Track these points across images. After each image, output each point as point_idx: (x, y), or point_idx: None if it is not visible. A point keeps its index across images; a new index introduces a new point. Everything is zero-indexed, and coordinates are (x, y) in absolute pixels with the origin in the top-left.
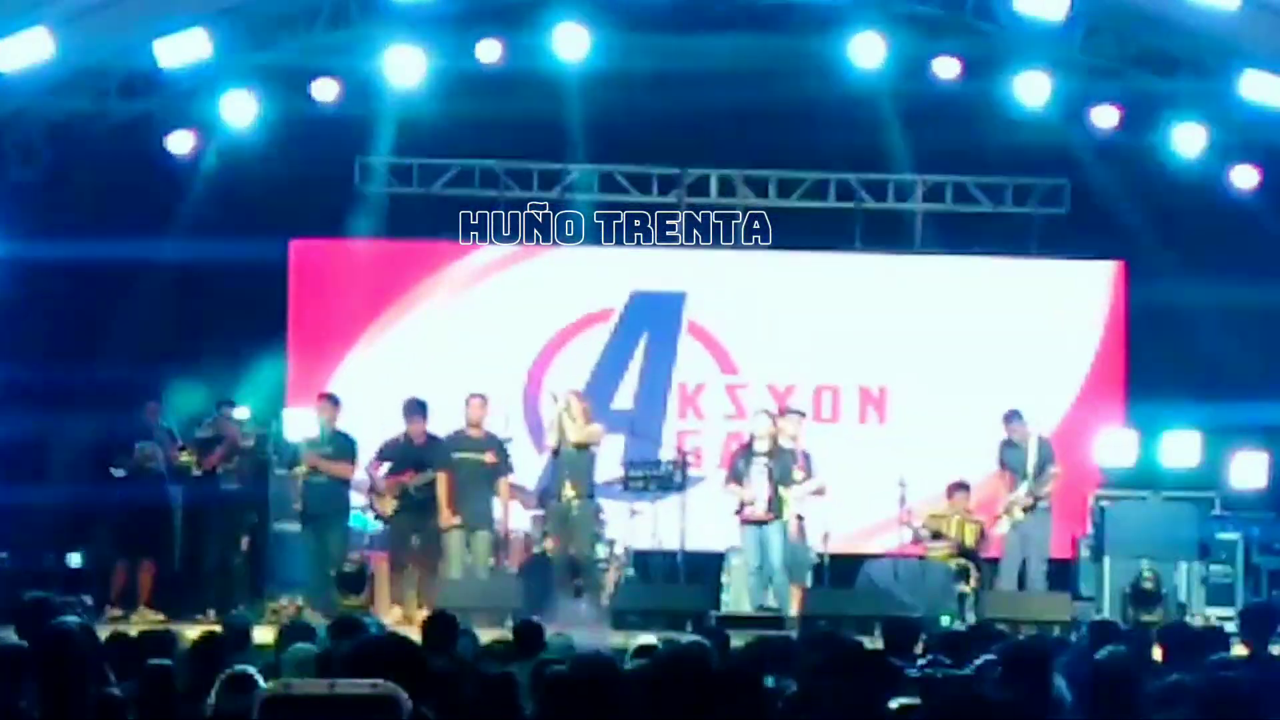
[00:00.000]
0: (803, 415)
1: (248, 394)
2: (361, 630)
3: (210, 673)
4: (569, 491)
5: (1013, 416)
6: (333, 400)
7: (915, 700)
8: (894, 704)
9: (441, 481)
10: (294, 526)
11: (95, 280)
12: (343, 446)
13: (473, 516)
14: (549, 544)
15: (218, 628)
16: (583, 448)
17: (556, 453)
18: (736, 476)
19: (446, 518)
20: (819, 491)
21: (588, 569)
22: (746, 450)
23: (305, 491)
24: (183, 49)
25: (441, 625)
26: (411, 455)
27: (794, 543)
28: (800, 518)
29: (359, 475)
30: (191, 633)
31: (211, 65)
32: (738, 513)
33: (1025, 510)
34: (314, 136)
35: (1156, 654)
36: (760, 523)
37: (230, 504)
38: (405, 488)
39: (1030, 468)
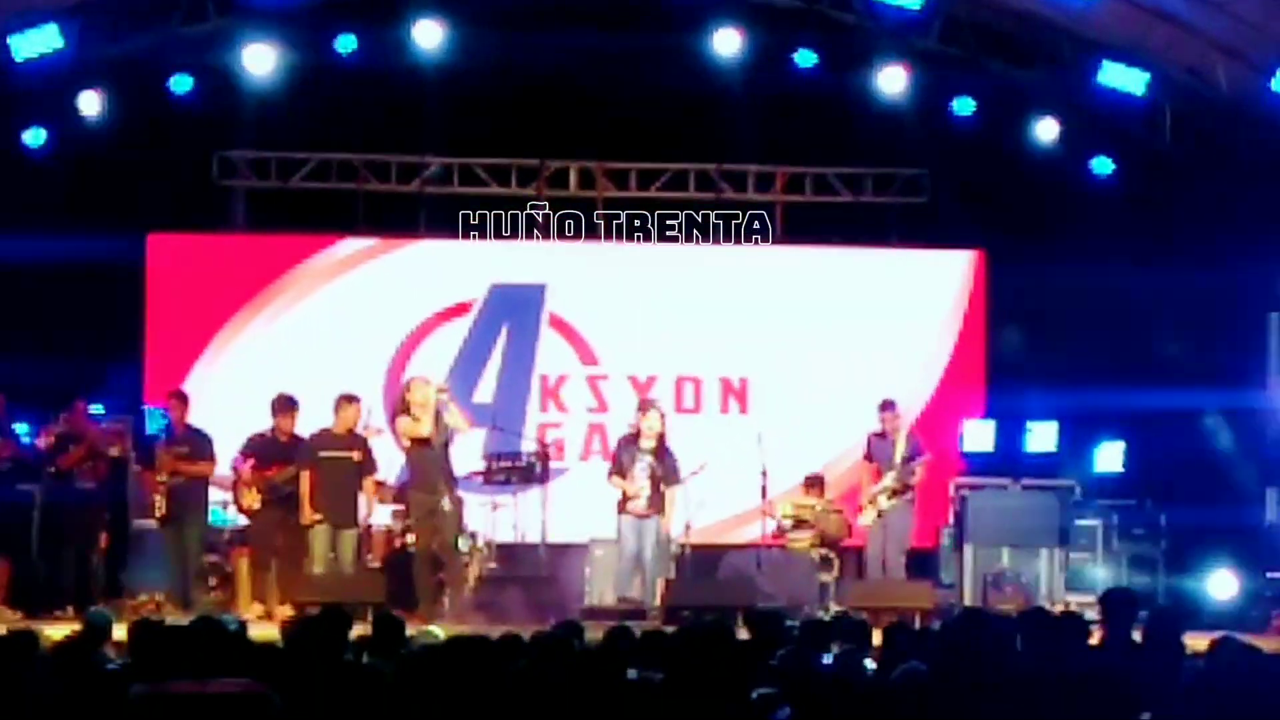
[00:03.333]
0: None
1: (104, 391)
2: (220, 628)
3: (74, 671)
4: (441, 485)
5: (888, 406)
6: (181, 397)
7: (775, 690)
8: (755, 694)
9: (304, 479)
10: (152, 524)
11: None
12: (199, 444)
13: (339, 515)
14: (412, 538)
15: (78, 625)
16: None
17: (427, 443)
18: (620, 470)
19: (308, 515)
20: (696, 473)
21: (450, 563)
22: (633, 445)
23: (167, 493)
24: (37, 43)
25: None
26: (278, 452)
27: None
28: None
29: (221, 470)
30: (51, 631)
31: (67, 59)
32: (620, 505)
33: (889, 498)
34: (171, 131)
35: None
36: (641, 517)
37: (87, 502)
38: (271, 482)
39: (898, 459)
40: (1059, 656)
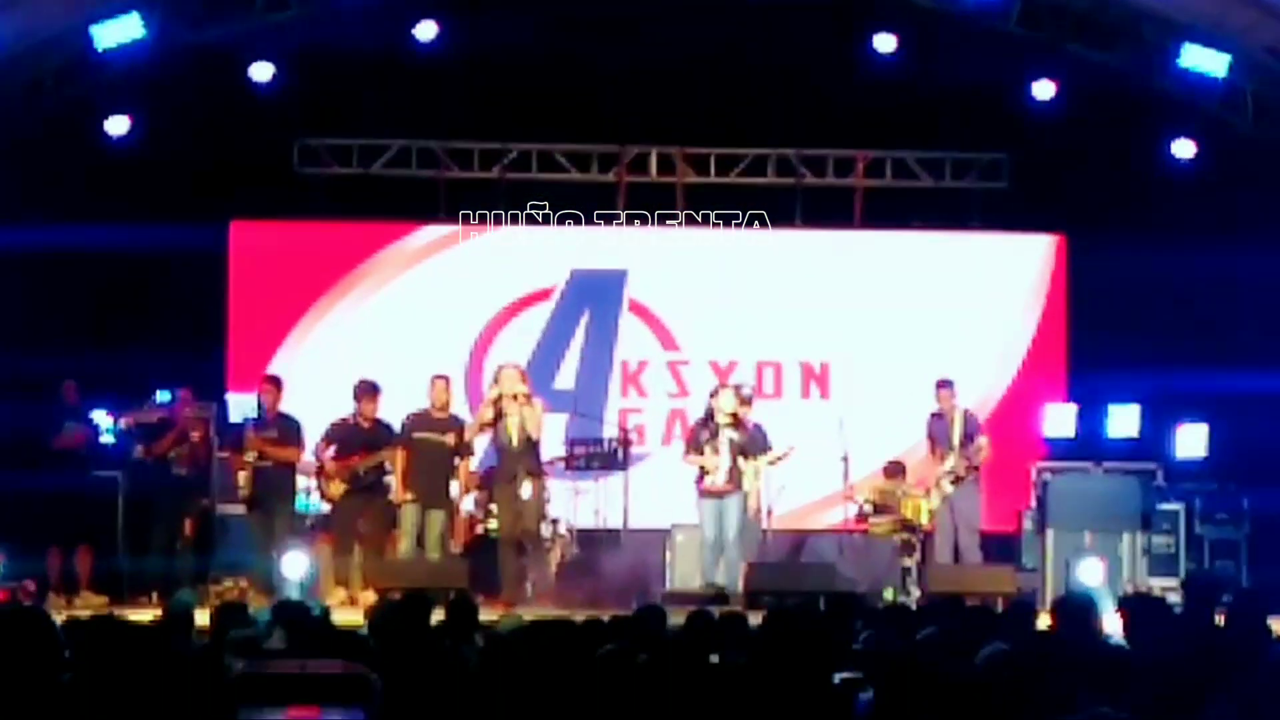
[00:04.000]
0: (751, 398)
1: (188, 377)
2: (305, 612)
3: (156, 655)
4: (521, 474)
5: (944, 385)
6: (275, 382)
7: (859, 674)
8: (838, 678)
9: (399, 458)
10: (238, 510)
11: (35, 267)
12: (288, 429)
13: (430, 496)
14: (495, 525)
15: (160, 612)
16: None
17: (507, 440)
18: (698, 447)
19: (400, 494)
20: (784, 457)
21: (533, 549)
22: (709, 421)
23: (253, 476)
24: (119, 32)
25: (415, 605)
26: (361, 437)
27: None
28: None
29: (305, 458)
30: (137, 617)
31: (148, 47)
32: (698, 483)
33: (954, 483)
34: (253, 119)
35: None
36: (719, 495)
37: (176, 489)
38: (354, 470)
39: (956, 440)
40: (1143, 639)
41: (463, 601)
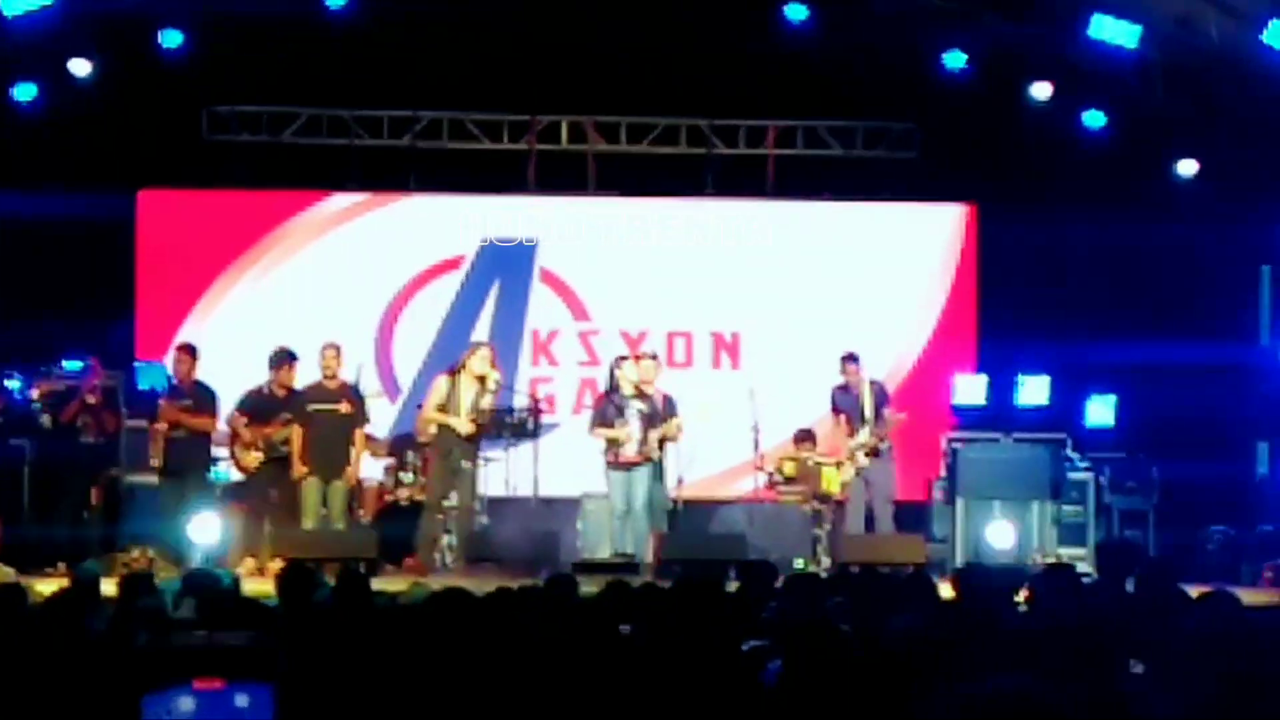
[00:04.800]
0: (656, 358)
1: (96, 346)
2: (215, 582)
3: (64, 626)
4: (459, 452)
5: (850, 359)
6: (190, 351)
7: (766, 643)
8: (746, 647)
9: (295, 435)
10: (148, 479)
11: None
12: (203, 398)
13: (328, 469)
14: (405, 494)
15: (67, 581)
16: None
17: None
18: (605, 420)
19: (299, 469)
20: (675, 435)
21: (456, 522)
22: (615, 394)
23: (166, 445)
24: None
25: (298, 577)
26: (276, 406)
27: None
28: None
29: (220, 427)
30: (43, 586)
31: (57, 14)
32: (606, 455)
33: (868, 455)
34: (162, 87)
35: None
36: (628, 466)
37: (82, 457)
38: (269, 439)
39: (868, 412)
40: (1053, 609)
41: (352, 574)
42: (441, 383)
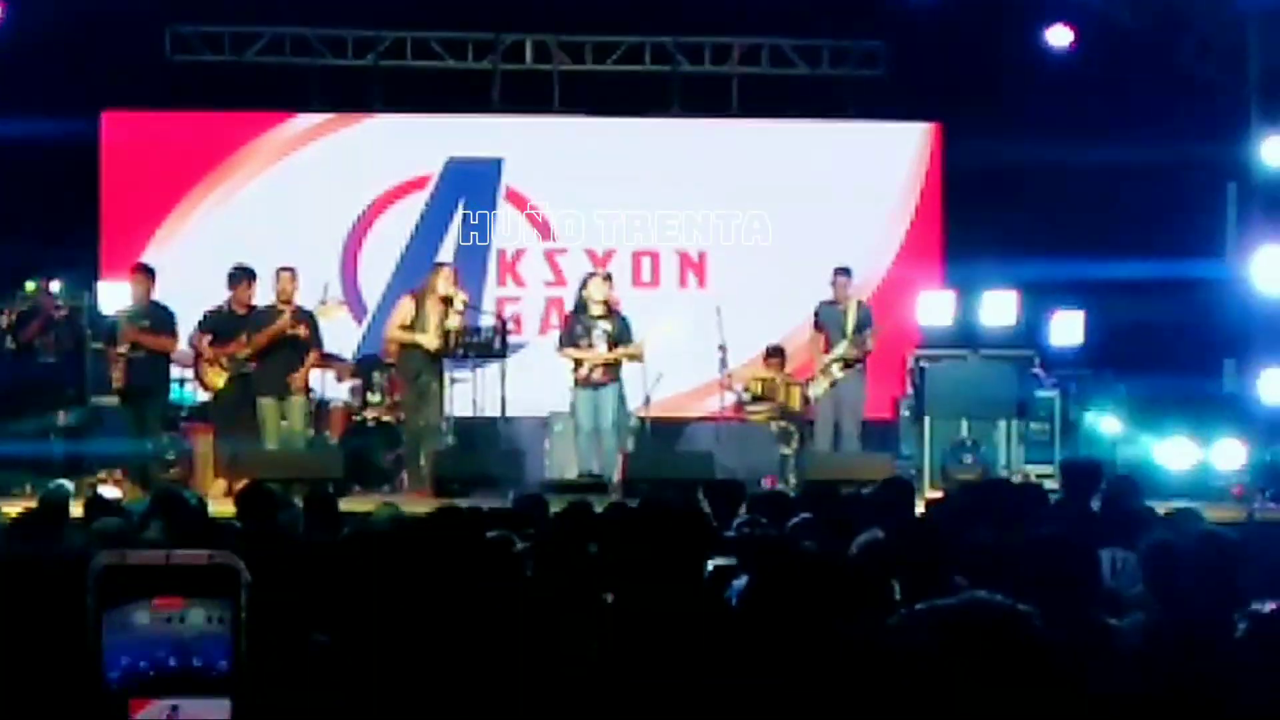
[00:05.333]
0: (610, 277)
1: (60, 268)
2: (181, 503)
3: (32, 547)
4: (429, 374)
5: (842, 272)
6: (147, 271)
7: (732, 561)
8: (711, 565)
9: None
10: (113, 401)
11: None
12: (162, 319)
13: (285, 388)
14: (372, 415)
15: (35, 503)
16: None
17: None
18: (574, 340)
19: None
20: (639, 356)
21: (425, 441)
22: (581, 313)
23: (126, 366)
24: None
25: (258, 498)
26: (235, 323)
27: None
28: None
29: (181, 347)
30: (9, 508)
31: None
32: (574, 373)
33: (843, 368)
34: (123, 6)
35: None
36: (596, 385)
37: (47, 378)
38: (234, 358)
39: (849, 329)
40: (1019, 526)
41: (320, 495)
42: (406, 303)
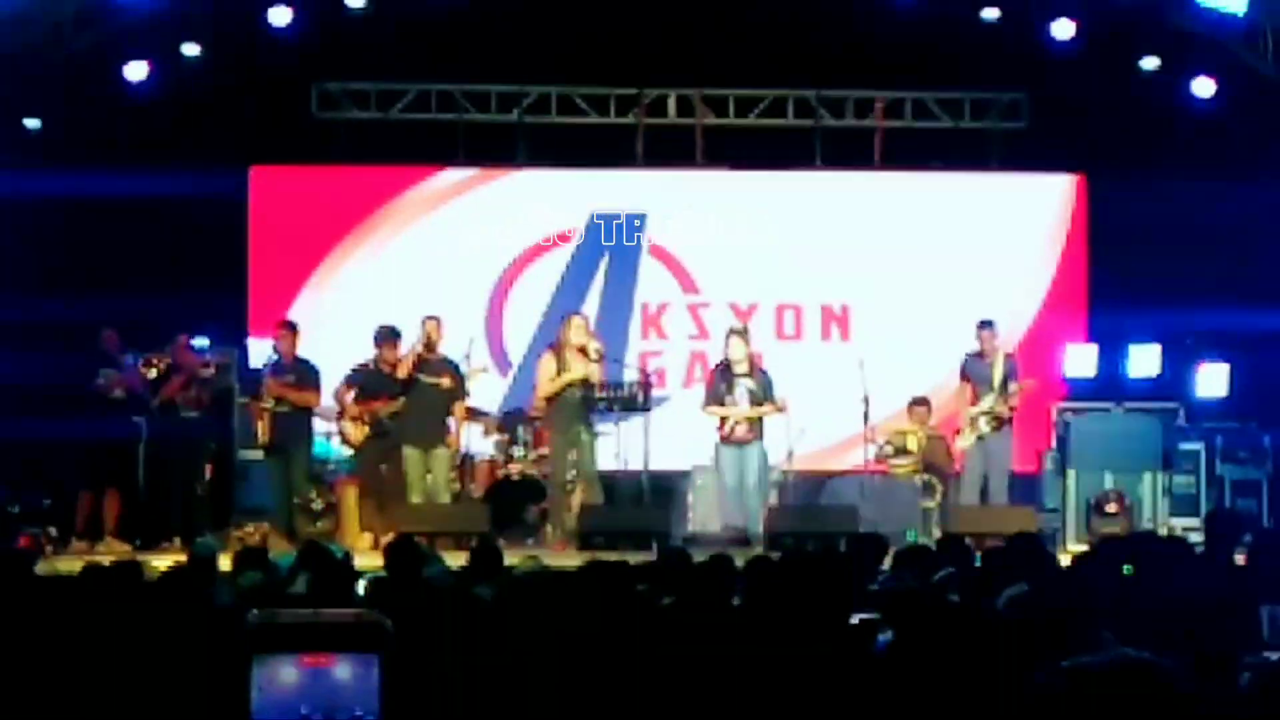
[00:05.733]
0: (745, 332)
1: (208, 323)
2: (328, 556)
3: (183, 601)
4: (578, 424)
5: (986, 325)
6: (291, 327)
7: (876, 615)
8: (855, 619)
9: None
10: (258, 455)
11: (53, 213)
12: (306, 374)
13: (428, 439)
14: (523, 467)
15: (184, 557)
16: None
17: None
18: (718, 398)
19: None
20: (780, 410)
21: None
22: (726, 371)
23: (270, 420)
24: None
25: (404, 552)
26: (382, 382)
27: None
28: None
29: (325, 402)
30: (158, 562)
31: None
32: (719, 430)
33: (991, 423)
34: (271, 64)
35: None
36: (741, 443)
37: (191, 433)
38: (376, 414)
39: (996, 382)
40: (1166, 580)
41: (485, 546)
42: (548, 359)
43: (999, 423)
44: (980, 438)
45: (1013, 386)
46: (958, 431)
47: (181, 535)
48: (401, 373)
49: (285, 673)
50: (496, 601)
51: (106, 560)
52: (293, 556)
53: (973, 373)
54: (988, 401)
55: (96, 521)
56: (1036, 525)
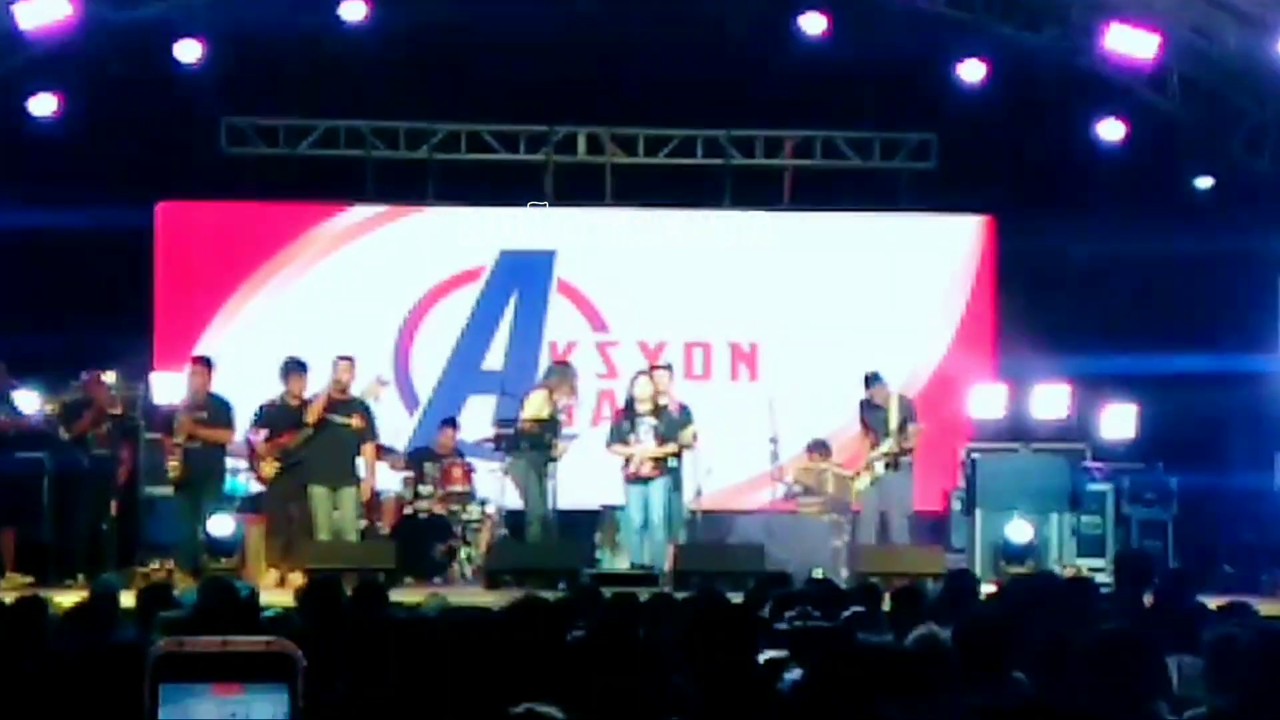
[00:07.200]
0: (670, 369)
1: (113, 358)
2: (232, 593)
3: (85, 637)
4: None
5: (872, 379)
6: (206, 363)
7: (784, 653)
8: (763, 657)
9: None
10: (165, 491)
11: None
12: (219, 411)
13: (336, 478)
14: (424, 505)
15: (87, 593)
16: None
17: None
18: (621, 437)
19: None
20: (691, 443)
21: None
22: (629, 411)
23: (183, 457)
24: (42, 10)
25: (323, 589)
26: (291, 416)
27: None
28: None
29: (237, 439)
30: (62, 599)
31: (72, 26)
32: (624, 469)
33: (887, 466)
34: (179, 99)
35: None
36: (645, 479)
37: (99, 469)
38: (286, 449)
39: (893, 425)
40: (1072, 621)
41: (370, 584)
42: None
43: (895, 460)
44: (874, 480)
45: (911, 428)
46: (858, 473)
47: (85, 572)
48: (312, 417)
49: (195, 704)
50: (398, 639)
51: (8, 597)
52: (195, 593)
53: (869, 419)
54: (886, 444)
55: None
56: (944, 565)
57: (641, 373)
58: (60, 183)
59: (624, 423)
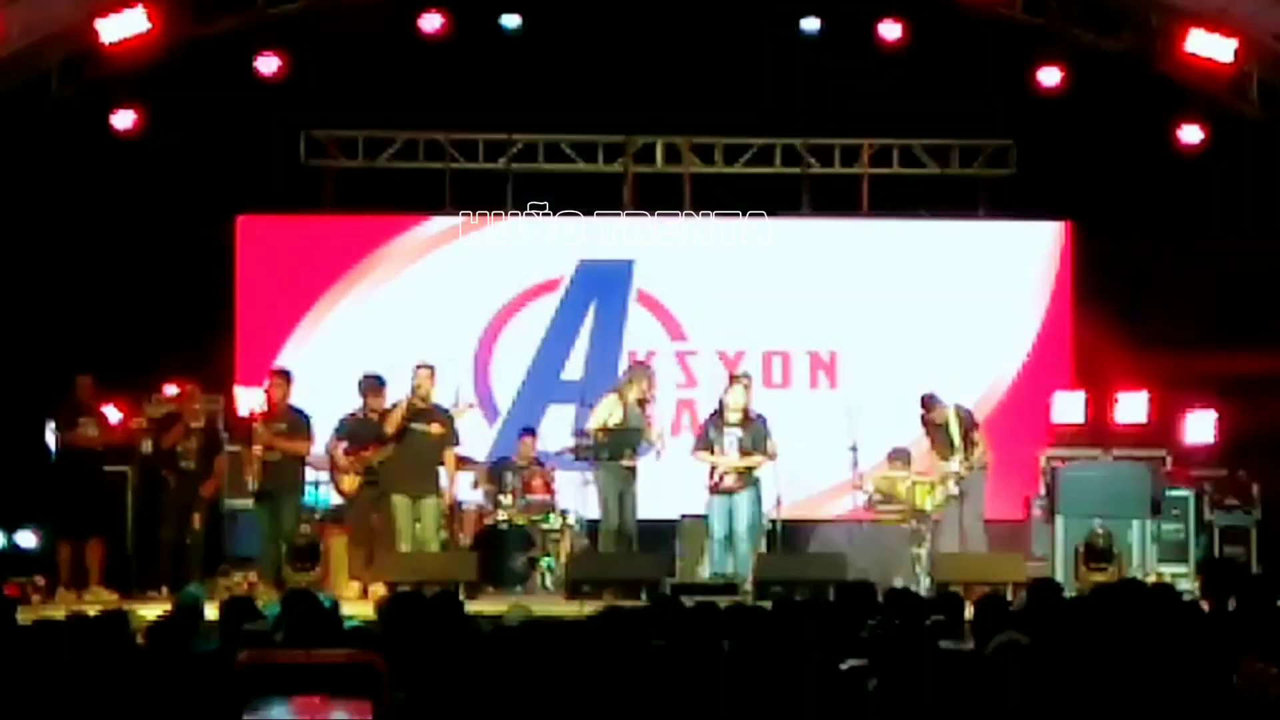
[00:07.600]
0: (749, 379)
1: (195, 372)
2: (314, 604)
3: (170, 648)
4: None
5: (929, 401)
6: (284, 375)
7: (865, 661)
8: (844, 665)
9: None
10: (246, 503)
11: (38, 260)
12: (297, 423)
13: (418, 487)
14: (504, 516)
15: (171, 605)
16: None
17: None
18: (707, 445)
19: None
20: (772, 458)
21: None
22: (718, 419)
23: (261, 469)
24: (124, 26)
25: (405, 601)
26: (372, 429)
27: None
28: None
29: (316, 451)
30: (145, 610)
31: (152, 40)
32: (709, 479)
33: (958, 482)
34: (259, 112)
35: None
36: (729, 491)
37: (183, 482)
38: (368, 463)
39: (956, 440)
40: (1154, 628)
41: (449, 595)
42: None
43: (962, 479)
44: (948, 498)
45: (977, 449)
46: (934, 483)
47: (169, 584)
48: (391, 427)
49: (277, 711)
50: (485, 650)
51: (92, 610)
52: (278, 605)
53: (934, 437)
54: (956, 459)
55: (80, 570)
56: (1025, 572)
57: (735, 380)
58: (142, 197)
59: (710, 431)
